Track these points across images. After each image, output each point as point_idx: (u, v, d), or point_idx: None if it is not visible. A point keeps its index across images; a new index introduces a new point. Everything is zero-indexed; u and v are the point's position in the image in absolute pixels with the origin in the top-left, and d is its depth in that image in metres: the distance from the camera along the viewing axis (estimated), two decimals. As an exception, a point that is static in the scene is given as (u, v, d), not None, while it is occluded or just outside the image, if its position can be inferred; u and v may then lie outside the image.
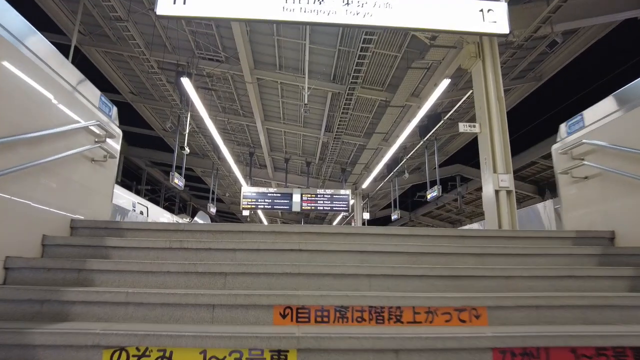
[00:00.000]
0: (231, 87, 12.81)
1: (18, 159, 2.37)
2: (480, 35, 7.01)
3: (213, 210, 19.68)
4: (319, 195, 17.55)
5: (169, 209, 28.99)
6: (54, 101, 2.80)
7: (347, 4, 4.98)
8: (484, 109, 7.31)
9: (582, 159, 3.75)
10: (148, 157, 22.94)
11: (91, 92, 3.28)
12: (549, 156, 18.18)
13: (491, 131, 7.22)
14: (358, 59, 8.70)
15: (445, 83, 9.42)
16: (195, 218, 23.59)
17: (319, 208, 17.67)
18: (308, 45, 8.73)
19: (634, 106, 3.22)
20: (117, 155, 3.71)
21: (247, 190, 17.29)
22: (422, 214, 32.27)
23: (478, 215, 29.37)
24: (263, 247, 2.72)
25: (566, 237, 3.31)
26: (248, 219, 33.42)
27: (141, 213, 12.89)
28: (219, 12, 4.85)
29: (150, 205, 14.01)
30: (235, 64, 11.10)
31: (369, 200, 23.97)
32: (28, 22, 2.64)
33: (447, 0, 5.25)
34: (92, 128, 3.21)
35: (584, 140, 3.68)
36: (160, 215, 15.04)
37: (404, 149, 16.01)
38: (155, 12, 4.79)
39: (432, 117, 12.66)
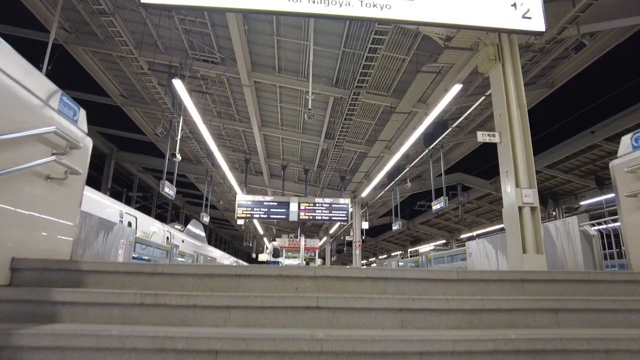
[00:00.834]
0: (227, 90, 12.10)
1: None
2: (513, 32, 6.39)
3: (206, 219, 18.86)
4: (317, 205, 16.85)
5: (162, 216, 28.11)
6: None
7: (363, -6, 4.31)
8: (505, 117, 6.66)
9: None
10: (140, 162, 22.13)
11: (46, 89, 2.54)
12: (553, 165, 17.63)
13: (513, 141, 6.57)
14: (365, 61, 8.04)
15: (456, 88, 8.80)
16: (189, 226, 22.74)
17: (317, 217, 16.97)
18: (312, 46, 8.06)
19: None
20: (84, 171, 2.94)
21: (243, 198, 16.55)
22: (420, 223, 31.71)
23: (477, 224, 28.86)
24: (268, 304, 2.00)
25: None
26: (243, 227, 32.61)
27: (129, 224, 12.07)
28: (214, 1, 4.16)
29: (139, 215, 13.18)
30: (231, 66, 10.41)
31: (367, 208, 23.28)
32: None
33: (475, -7, 4.61)
34: (47, 137, 2.48)
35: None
36: (150, 225, 14.22)
37: (406, 157, 15.36)
38: (140, 2, 4.10)
39: (439, 125, 12.04)
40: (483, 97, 9.68)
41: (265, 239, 37.09)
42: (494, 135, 6.83)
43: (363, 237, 21.93)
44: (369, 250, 47.28)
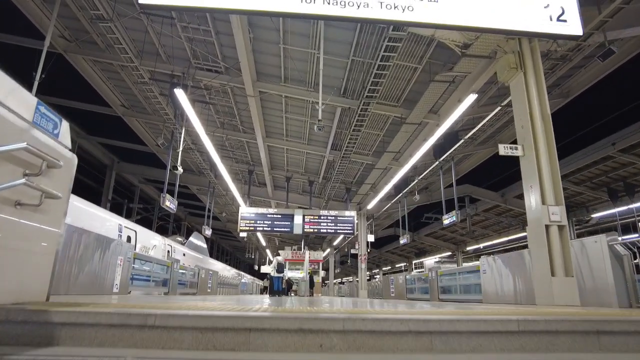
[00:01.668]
0: (231, 100, 11.75)
1: None
2: (547, 37, 6.00)
3: (208, 232, 18.40)
4: (322, 217, 16.38)
5: (164, 227, 27.65)
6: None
7: (383, -5, 3.93)
8: (528, 129, 6.24)
9: None
10: (141, 173, 21.78)
11: (18, 97, 2.13)
12: (564, 177, 17.20)
13: (537, 154, 6.14)
14: (377, 70, 7.65)
15: (470, 99, 8.40)
16: (190, 239, 22.29)
17: (322, 230, 16.50)
18: (322, 55, 7.69)
19: None
20: (66, 194, 2.50)
21: (245, 211, 16.11)
22: (426, 234, 31.13)
23: (484, 237, 28.26)
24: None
25: None
26: (245, 239, 32.10)
27: (128, 239, 11.63)
28: (218, 1, 3.77)
29: (139, 228, 12.76)
30: (235, 76, 10.07)
31: (373, 220, 22.77)
32: None
33: (505, -6, 4.23)
34: (17, 154, 2.05)
35: None
36: (150, 239, 13.79)
37: (414, 168, 14.93)
38: (139, 2, 3.72)
39: (449, 136, 11.61)
40: (499, 108, 9.28)
41: (268, 251, 36.51)
42: (516, 148, 6.40)
43: (368, 250, 21.41)
44: (373, 262, 46.60)
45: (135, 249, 11.78)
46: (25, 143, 2.02)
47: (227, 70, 10.09)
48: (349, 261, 39.12)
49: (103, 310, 1.87)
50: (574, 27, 4.16)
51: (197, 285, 13.51)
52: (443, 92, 9.42)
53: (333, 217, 16.38)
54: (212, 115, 12.96)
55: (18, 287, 2.15)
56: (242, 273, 38.23)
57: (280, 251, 25.56)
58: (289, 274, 22.76)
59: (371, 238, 21.11)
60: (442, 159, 11.98)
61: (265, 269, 31.23)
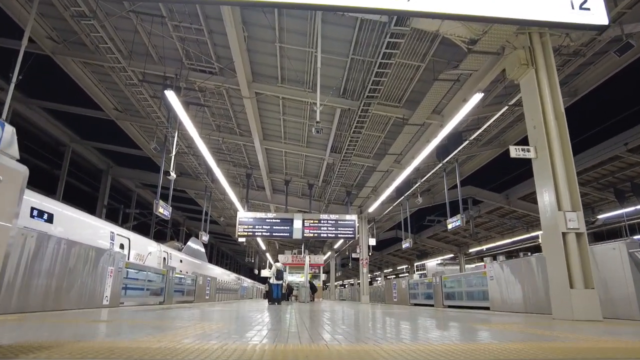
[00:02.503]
0: (226, 102, 11.35)
1: None
2: (569, 28, 5.61)
3: (205, 238, 17.98)
4: (322, 221, 15.99)
5: (161, 232, 27.20)
6: None
7: (386, -19, 3.52)
8: (541, 129, 5.83)
9: None
10: (137, 178, 21.38)
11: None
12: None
13: (551, 156, 5.73)
14: (378, 68, 7.24)
15: (476, 98, 8.01)
16: (189, 243, 21.86)
17: (322, 235, 16.11)
18: (320, 54, 7.28)
19: None
20: (10, 216, 2.05)
21: (244, 215, 15.71)
22: (428, 237, 30.71)
23: (487, 238, 27.83)
24: None
25: None
26: (244, 243, 31.65)
27: (121, 246, 11.22)
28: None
29: (132, 236, 12.34)
30: (230, 77, 9.67)
31: (374, 223, 22.36)
32: None
33: (521, -20, 3.83)
34: None
35: None
36: (145, 246, 13.36)
37: (416, 170, 14.53)
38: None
39: (453, 137, 11.20)
40: (506, 107, 8.87)
41: (268, 254, 36.07)
42: (528, 150, 5.99)
43: (370, 253, 20.98)
44: (374, 264, 46.16)
45: (128, 258, 11.38)
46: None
47: (221, 71, 9.69)
48: (349, 264, 38.70)
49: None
50: (598, 15, 3.76)
51: (195, 293, 13.10)
52: (447, 92, 9.02)
53: (333, 221, 15.99)
54: (208, 118, 12.57)
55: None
56: (242, 277, 37.79)
57: (280, 255, 25.11)
58: (289, 277, 22.33)
59: (372, 242, 20.71)
60: (445, 160, 11.57)
61: (265, 273, 30.82)
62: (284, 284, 15.02)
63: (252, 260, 40.20)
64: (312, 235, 15.99)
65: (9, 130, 2.04)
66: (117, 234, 11.01)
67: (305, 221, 15.86)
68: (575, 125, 13.67)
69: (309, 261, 23.24)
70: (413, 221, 25.68)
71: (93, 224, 10.28)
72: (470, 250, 31.20)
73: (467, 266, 32.58)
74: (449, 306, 11.67)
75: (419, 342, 2.60)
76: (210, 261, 30.74)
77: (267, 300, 14.26)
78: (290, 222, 15.82)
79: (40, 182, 17.10)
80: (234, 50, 8.07)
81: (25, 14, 7.35)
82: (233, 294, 22.50)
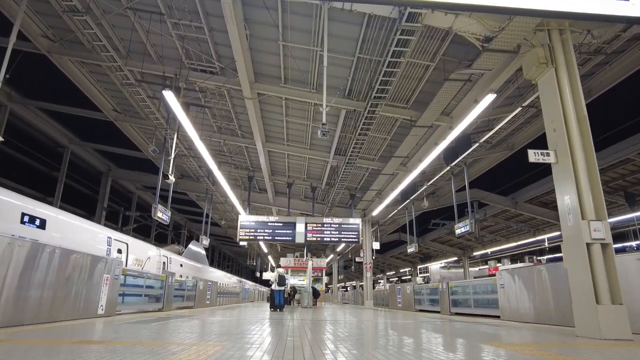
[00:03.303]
0: (227, 103, 11.00)
1: None
2: (621, 21, 5.21)
3: (206, 242, 17.64)
4: (325, 225, 15.63)
5: (162, 235, 26.86)
6: None
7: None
8: (562, 132, 5.46)
9: None
10: (138, 180, 21.08)
11: None
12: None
13: (574, 161, 5.36)
14: (387, 67, 6.88)
15: (489, 99, 7.65)
16: (189, 246, 21.53)
17: (325, 239, 15.75)
18: (326, 53, 6.92)
19: None
20: None
21: (245, 219, 15.36)
22: (432, 240, 30.30)
23: (491, 242, 27.40)
24: None
25: None
26: (246, 246, 31.30)
27: (119, 252, 10.88)
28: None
29: (130, 240, 11.99)
30: (232, 77, 9.34)
31: (378, 227, 21.98)
32: None
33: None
34: None
35: None
36: (144, 251, 13.02)
37: (422, 173, 14.17)
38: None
39: (461, 139, 10.83)
40: (519, 109, 8.50)
41: (270, 257, 35.71)
42: (547, 155, 5.62)
43: (373, 257, 20.61)
44: (377, 267, 45.79)
45: (126, 264, 11.04)
46: None
47: (222, 70, 9.36)
48: (352, 266, 38.28)
49: None
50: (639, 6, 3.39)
51: (195, 298, 12.75)
52: (457, 92, 8.66)
53: (337, 225, 15.64)
54: (209, 120, 12.23)
55: None
56: (244, 280, 37.40)
57: (282, 259, 24.74)
58: (291, 280, 21.98)
59: (376, 245, 20.33)
60: (454, 163, 11.20)
61: (267, 275, 30.47)
62: (286, 288, 14.66)
63: (254, 263, 39.85)
64: (315, 239, 15.63)
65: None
66: (115, 239, 10.67)
67: (308, 225, 15.51)
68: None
69: (312, 264, 22.90)
70: (417, 224, 25.32)
71: (89, 229, 9.94)
72: (475, 254, 30.81)
73: (471, 269, 32.16)
74: (456, 313, 11.29)
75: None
76: (211, 264, 30.39)
77: (269, 306, 13.91)
78: (292, 225, 15.47)
79: (38, 185, 16.83)
80: (235, 49, 7.73)
81: (15, 7, 7.01)
82: (234, 298, 22.15)
